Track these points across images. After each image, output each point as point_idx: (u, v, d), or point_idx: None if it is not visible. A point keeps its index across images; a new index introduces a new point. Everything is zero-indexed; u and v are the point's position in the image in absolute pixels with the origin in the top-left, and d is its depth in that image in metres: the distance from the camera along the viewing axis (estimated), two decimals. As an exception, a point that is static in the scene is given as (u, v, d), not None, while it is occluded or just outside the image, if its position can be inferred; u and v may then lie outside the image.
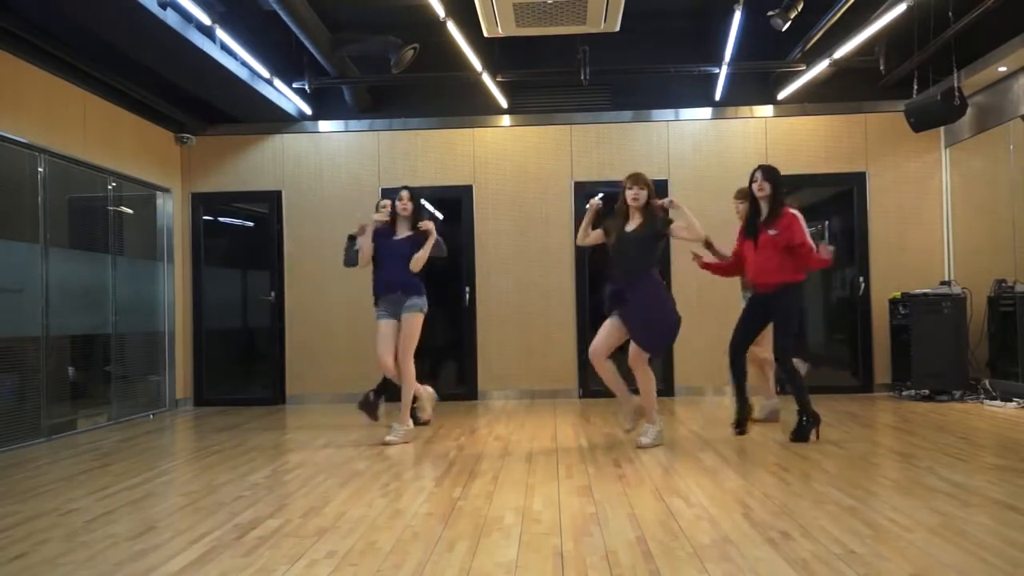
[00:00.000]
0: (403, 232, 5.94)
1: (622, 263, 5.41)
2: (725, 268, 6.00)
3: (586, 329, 8.21)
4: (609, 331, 5.43)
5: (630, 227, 5.42)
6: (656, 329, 5.41)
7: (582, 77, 7.75)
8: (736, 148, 8.62)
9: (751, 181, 5.59)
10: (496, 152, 8.76)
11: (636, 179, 5.42)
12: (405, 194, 5.93)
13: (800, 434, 5.41)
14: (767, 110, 8.66)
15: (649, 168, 8.60)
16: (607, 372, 5.50)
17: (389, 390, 6.50)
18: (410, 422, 5.99)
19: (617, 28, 6.26)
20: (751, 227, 5.63)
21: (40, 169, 6.48)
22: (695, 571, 2.83)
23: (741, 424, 5.76)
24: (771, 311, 5.55)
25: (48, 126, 6.57)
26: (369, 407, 6.51)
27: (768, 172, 5.55)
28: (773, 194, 5.51)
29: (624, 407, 5.59)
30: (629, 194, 5.38)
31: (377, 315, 5.96)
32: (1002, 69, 7.17)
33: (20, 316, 6.24)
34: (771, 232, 5.47)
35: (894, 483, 4.17)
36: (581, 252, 8.41)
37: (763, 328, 5.77)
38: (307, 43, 7.05)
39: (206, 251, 8.91)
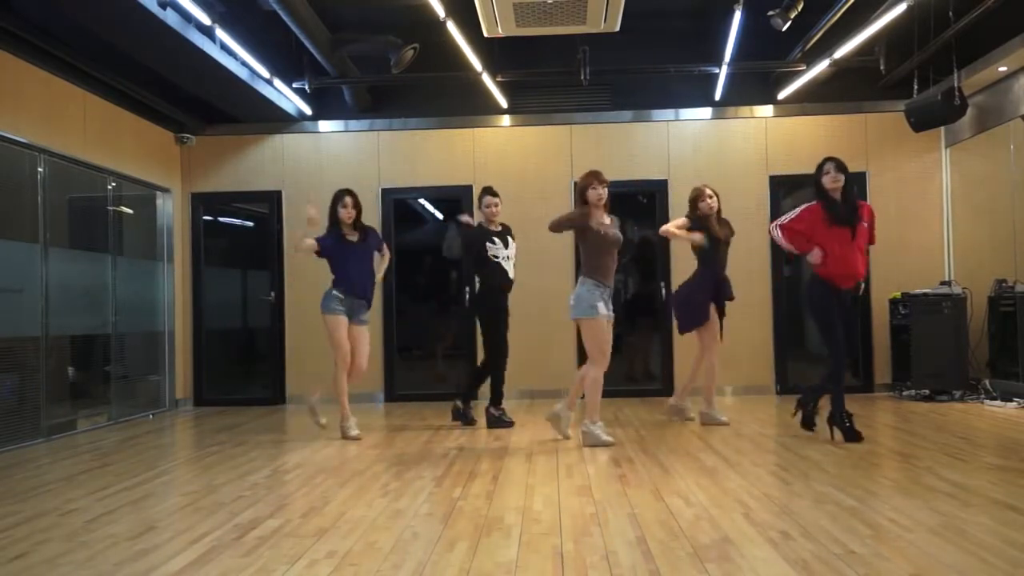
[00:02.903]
0: (352, 235, 6.20)
1: (720, 264, 6.34)
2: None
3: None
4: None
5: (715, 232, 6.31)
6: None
7: (582, 77, 7.74)
8: (736, 148, 8.62)
9: (822, 174, 5.35)
10: (496, 152, 8.76)
11: (713, 193, 6.36)
12: (349, 200, 6.16)
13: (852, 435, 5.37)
14: (767, 110, 8.66)
15: (649, 168, 8.66)
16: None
17: (469, 393, 6.83)
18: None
19: (617, 28, 6.25)
20: (838, 218, 5.28)
21: (40, 169, 6.48)
22: (695, 571, 2.83)
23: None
24: (850, 305, 5.41)
25: (48, 126, 6.57)
26: (464, 417, 6.70)
27: (841, 164, 5.36)
28: (847, 184, 5.34)
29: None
30: (712, 203, 6.30)
31: (335, 310, 6.07)
32: (1002, 69, 7.17)
33: (20, 316, 6.24)
34: (865, 224, 5.35)
35: (894, 483, 4.17)
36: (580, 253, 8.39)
37: None
38: (307, 43, 7.05)
39: (206, 251, 8.90)
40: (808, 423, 5.59)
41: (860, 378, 8.46)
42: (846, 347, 5.40)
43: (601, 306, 5.44)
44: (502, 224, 6.68)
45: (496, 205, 6.61)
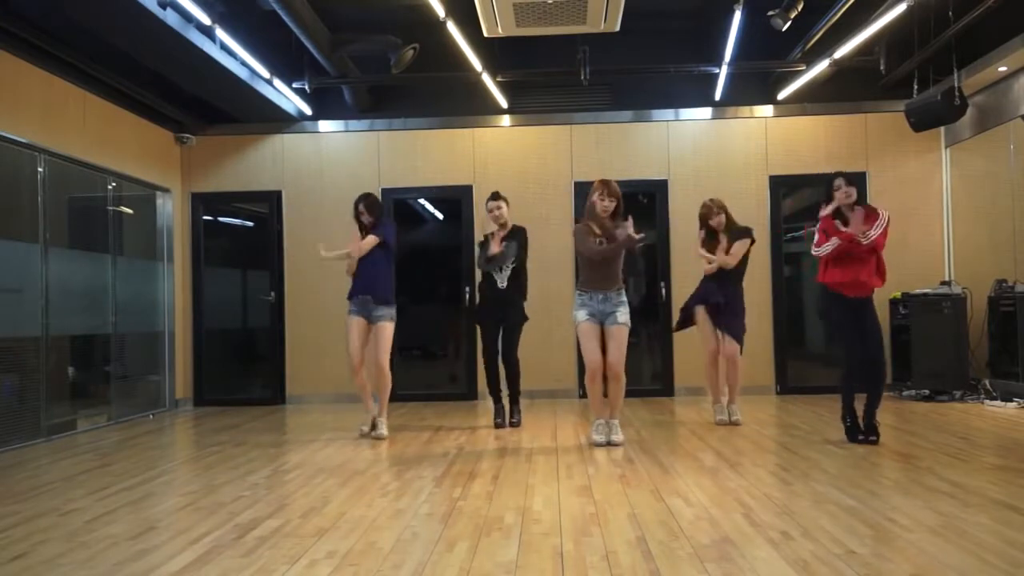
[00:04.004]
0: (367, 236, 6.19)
1: (721, 273, 6.36)
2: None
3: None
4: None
5: (721, 242, 6.39)
6: (744, 323, 6.49)
7: (582, 77, 7.75)
8: (736, 148, 8.62)
9: (833, 190, 5.32)
10: (496, 152, 8.76)
11: (721, 206, 6.42)
12: (362, 207, 6.16)
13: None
14: (767, 110, 8.66)
15: (649, 168, 8.66)
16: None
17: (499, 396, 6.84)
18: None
19: (617, 28, 6.26)
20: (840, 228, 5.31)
21: (40, 169, 6.48)
22: (695, 571, 2.83)
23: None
24: (868, 315, 5.33)
25: (48, 126, 6.57)
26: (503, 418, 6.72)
27: (851, 178, 5.36)
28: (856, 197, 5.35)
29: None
30: (720, 219, 6.39)
31: (349, 311, 6.18)
32: (1002, 69, 7.17)
33: (20, 316, 6.24)
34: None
35: (894, 483, 4.17)
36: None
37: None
38: (307, 43, 7.05)
39: (206, 251, 8.90)
40: (870, 430, 5.40)
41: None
42: (864, 351, 5.30)
43: (580, 314, 5.54)
44: (510, 228, 6.58)
45: (499, 208, 6.54)
